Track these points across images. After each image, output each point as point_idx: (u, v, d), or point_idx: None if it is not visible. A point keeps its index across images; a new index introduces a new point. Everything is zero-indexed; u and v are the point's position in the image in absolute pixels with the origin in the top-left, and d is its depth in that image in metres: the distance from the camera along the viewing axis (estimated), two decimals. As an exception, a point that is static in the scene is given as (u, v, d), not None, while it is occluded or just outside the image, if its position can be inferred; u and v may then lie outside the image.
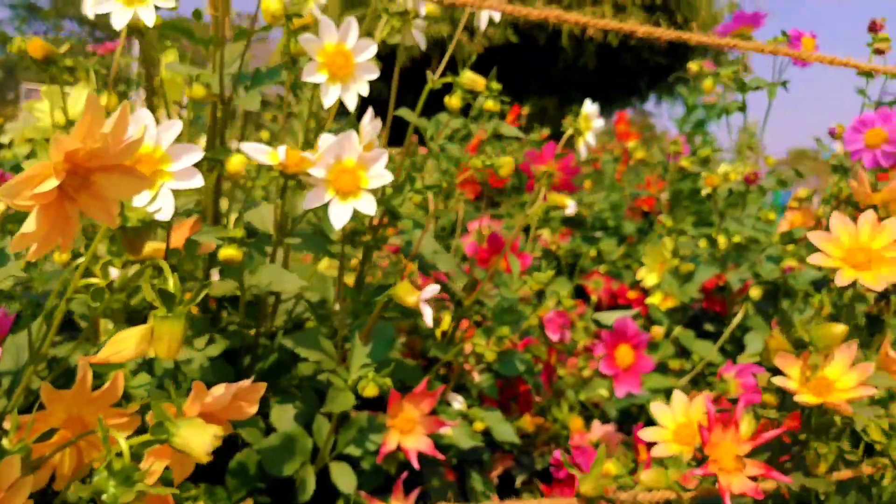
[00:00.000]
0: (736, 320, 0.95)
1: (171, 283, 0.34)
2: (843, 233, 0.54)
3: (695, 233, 1.25)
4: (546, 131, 1.94)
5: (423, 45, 0.72)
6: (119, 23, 0.51)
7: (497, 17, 0.67)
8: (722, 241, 1.03)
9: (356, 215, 0.58)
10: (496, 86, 0.62)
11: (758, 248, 1.02)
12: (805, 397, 0.52)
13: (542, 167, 0.94)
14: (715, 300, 1.16)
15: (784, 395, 0.59)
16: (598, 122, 0.73)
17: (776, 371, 0.55)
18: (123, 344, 0.36)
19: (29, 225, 0.31)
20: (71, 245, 0.35)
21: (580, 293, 1.41)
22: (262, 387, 0.49)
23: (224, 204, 0.76)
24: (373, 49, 0.53)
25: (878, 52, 1.03)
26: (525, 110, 2.10)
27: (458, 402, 0.75)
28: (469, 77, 0.62)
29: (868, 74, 1.09)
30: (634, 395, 0.96)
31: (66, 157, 0.32)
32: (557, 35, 5.69)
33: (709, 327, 1.17)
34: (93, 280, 0.37)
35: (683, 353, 1.11)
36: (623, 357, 0.77)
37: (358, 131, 0.52)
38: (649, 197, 1.90)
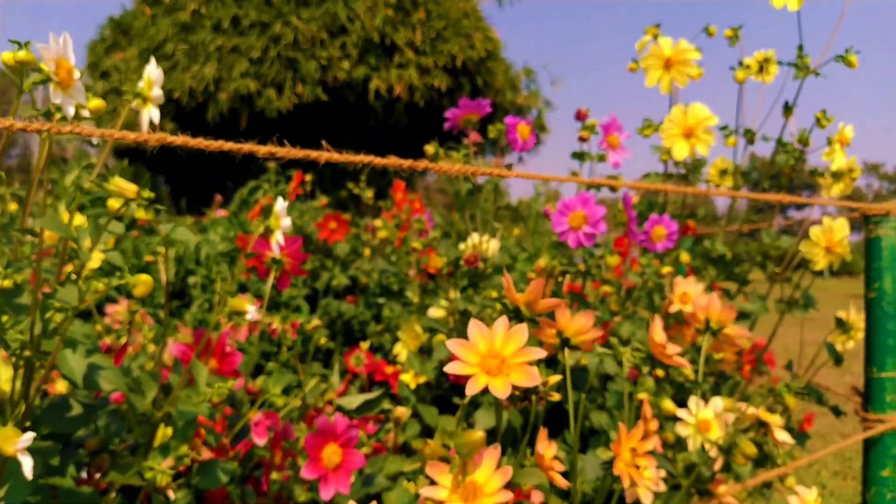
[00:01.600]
0: (467, 398, 0.97)
1: None
2: (480, 339, 0.56)
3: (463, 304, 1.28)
4: (325, 199, 1.93)
5: (94, 142, 0.67)
6: None
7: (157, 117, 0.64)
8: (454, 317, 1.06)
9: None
10: (148, 194, 0.59)
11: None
12: (449, 507, 0.52)
13: (269, 254, 0.91)
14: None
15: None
16: (286, 221, 0.71)
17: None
18: None
19: None
20: None
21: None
22: None
23: None
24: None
25: (582, 139, 1.13)
26: (308, 177, 2.08)
27: (143, 529, 0.69)
28: (118, 185, 0.58)
29: (580, 158, 1.18)
30: (370, 486, 0.95)
31: None
32: (366, 94, 5.79)
33: (458, 400, 1.19)
34: None
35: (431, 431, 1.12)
36: (330, 457, 0.75)
37: None
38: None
